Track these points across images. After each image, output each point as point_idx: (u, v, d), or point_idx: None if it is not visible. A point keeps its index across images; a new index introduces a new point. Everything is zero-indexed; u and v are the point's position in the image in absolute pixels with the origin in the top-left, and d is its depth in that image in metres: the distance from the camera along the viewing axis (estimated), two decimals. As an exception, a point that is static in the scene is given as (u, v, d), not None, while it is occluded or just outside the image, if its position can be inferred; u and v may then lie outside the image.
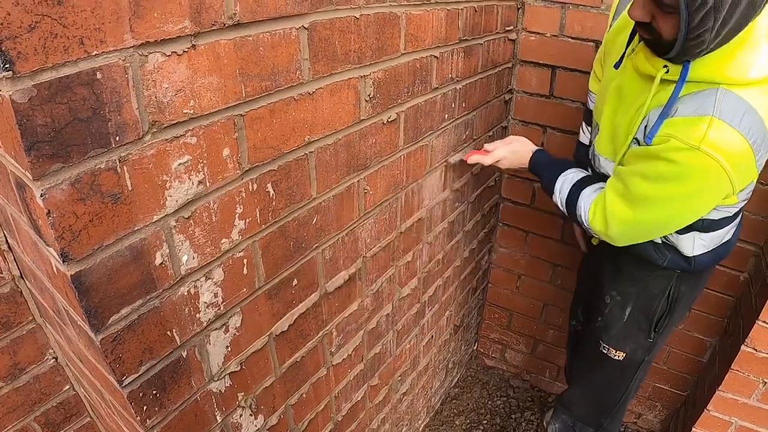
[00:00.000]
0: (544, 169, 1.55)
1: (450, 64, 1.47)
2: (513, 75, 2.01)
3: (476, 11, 1.52)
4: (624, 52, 1.31)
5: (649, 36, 1.13)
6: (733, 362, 1.73)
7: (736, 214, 1.36)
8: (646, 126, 1.21)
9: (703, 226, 1.33)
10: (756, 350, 1.67)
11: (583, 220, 1.39)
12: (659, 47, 1.13)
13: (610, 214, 1.29)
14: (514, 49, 1.94)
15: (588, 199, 1.38)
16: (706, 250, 1.40)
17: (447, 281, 2.04)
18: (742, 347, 1.69)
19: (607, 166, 1.40)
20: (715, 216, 1.31)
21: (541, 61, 1.95)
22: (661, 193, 1.18)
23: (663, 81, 1.17)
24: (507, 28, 1.81)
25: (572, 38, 1.84)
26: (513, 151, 1.62)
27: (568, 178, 1.47)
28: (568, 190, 1.45)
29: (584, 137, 1.72)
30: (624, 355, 1.62)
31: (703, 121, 1.07)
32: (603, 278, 1.63)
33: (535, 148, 1.61)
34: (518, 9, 1.85)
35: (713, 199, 1.19)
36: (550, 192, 1.51)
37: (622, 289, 1.58)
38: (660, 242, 1.41)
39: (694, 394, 2.16)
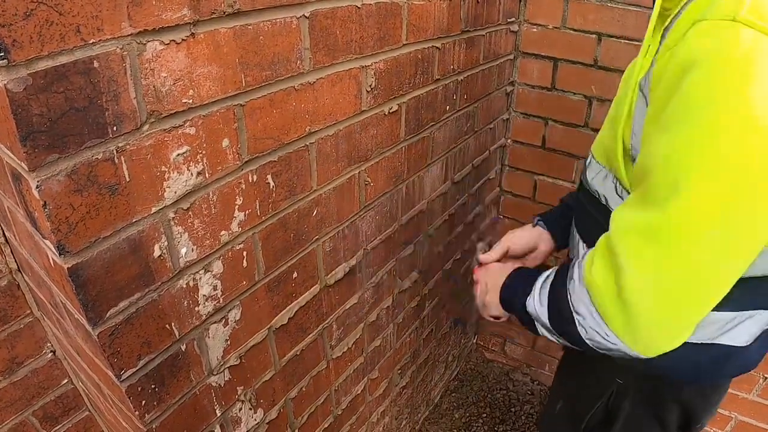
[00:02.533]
0: (520, 287, 0.99)
1: (452, 55, 1.45)
2: (515, 67, 2.00)
3: (478, 2, 1.51)
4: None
5: None
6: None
7: (753, 289, 0.80)
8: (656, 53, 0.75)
9: None
10: (757, 344, 1.67)
11: (574, 305, 0.82)
12: None
13: (623, 240, 0.73)
14: (515, 40, 1.92)
15: (578, 270, 0.84)
16: None
17: (448, 274, 2.04)
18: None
19: (597, 174, 0.94)
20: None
21: (543, 53, 1.93)
22: (695, 127, 0.63)
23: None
24: (509, 20, 1.79)
25: (574, 30, 1.82)
26: (489, 282, 1.11)
27: (545, 276, 0.95)
28: (548, 287, 0.91)
29: None
30: None
31: None
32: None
33: (512, 268, 1.08)
34: (520, 0, 1.83)
35: None
36: (525, 313, 0.96)
37: (561, 376, 1.33)
38: None
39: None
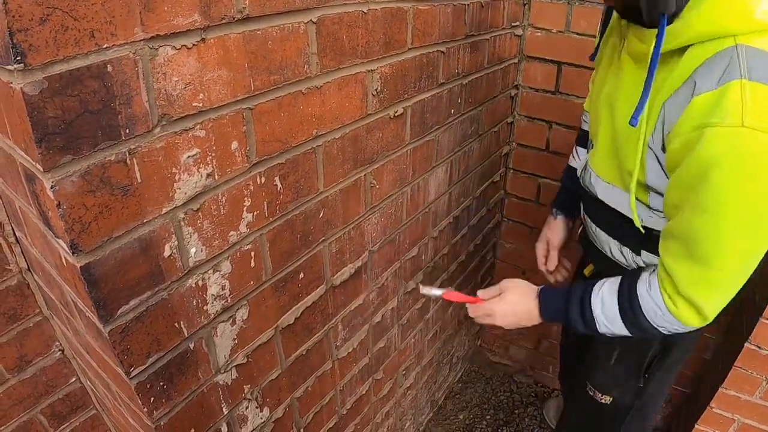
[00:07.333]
0: (565, 304, 1.19)
1: (456, 59, 1.46)
2: (519, 70, 2.01)
3: (482, 6, 1.52)
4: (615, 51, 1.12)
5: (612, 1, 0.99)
6: (736, 360, 1.73)
7: None
8: (663, 123, 0.93)
9: None
10: (760, 348, 1.67)
11: (654, 321, 1.05)
12: (633, 12, 0.92)
13: (690, 289, 0.97)
14: (520, 44, 1.93)
15: (647, 292, 1.05)
16: None
17: (452, 276, 2.04)
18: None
19: (602, 188, 1.18)
20: None
21: (547, 57, 1.94)
22: (725, 214, 0.87)
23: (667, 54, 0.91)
24: (513, 24, 1.80)
25: (578, 34, 1.83)
26: (512, 310, 1.28)
27: (604, 288, 1.14)
28: (615, 299, 1.11)
29: (575, 161, 1.55)
30: (611, 399, 1.43)
31: (733, 89, 0.80)
32: None
33: (535, 293, 1.26)
34: (524, 4, 1.84)
35: None
36: (589, 320, 1.15)
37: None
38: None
39: (697, 391, 2.16)
